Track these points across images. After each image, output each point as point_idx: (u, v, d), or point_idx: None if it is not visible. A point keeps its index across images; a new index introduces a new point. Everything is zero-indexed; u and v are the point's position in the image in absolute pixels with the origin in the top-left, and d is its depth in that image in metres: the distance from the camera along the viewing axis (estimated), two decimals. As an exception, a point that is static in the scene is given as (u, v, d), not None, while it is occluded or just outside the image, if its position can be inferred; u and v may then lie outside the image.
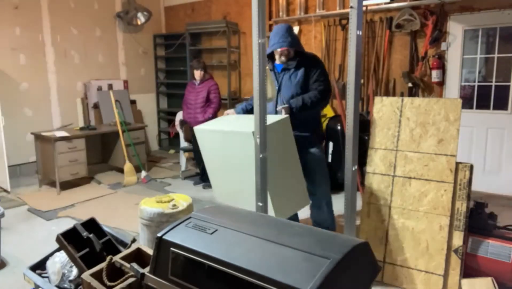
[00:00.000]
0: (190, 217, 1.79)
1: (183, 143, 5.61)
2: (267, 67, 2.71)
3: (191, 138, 5.19)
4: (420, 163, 2.92)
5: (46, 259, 2.46)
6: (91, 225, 2.39)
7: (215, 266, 1.48)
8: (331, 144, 4.62)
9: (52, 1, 5.72)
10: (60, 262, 2.32)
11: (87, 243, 2.27)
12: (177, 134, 6.18)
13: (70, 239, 2.24)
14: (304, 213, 4.07)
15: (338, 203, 4.19)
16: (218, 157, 2.87)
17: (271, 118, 2.64)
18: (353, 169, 2.11)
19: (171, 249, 1.62)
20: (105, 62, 6.49)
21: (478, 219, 2.72)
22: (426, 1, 4.45)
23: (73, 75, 6.07)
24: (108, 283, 1.88)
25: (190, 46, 6.62)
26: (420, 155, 2.94)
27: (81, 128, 5.23)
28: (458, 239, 2.54)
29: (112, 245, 2.35)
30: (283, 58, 3.10)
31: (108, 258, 2.00)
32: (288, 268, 1.36)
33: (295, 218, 3.26)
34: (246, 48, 6.29)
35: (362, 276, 1.51)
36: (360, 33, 2.01)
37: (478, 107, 4.44)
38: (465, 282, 1.44)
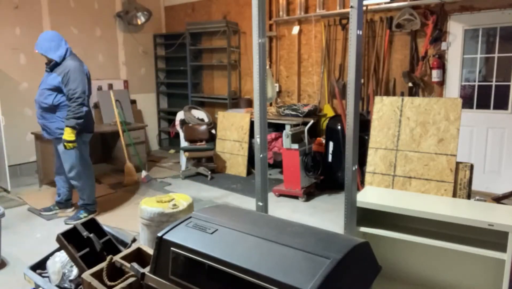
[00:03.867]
0: (190, 217, 1.79)
1: (184, 143, 5.61)
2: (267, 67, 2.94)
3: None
4: (420, 162, 2.92)
5: (46, 258, 2.46)
6: (92, 224, 2.39)
7: (215, 265, 1.48)
8: (331, 144, 4.62)
9: (52, 1, 5.71)
10: (60, 261, 2.32)
11: (87, 242, 2.27)
12: (177, 134, 6.18)
13: (70, 239, 2.25)
14: (303, 215, 4.08)
15: (338, 203, 4.20)
16: None
17: None
18: (353, 168, 2.11)
19: (172, 248, 1.62)
20: (105, 62, 6.49)
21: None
22: (426, 1, 4.45)
23: (73, 75, 6.06)
24: (109, 283, 1.88)
25: (190, 46, 6.62)
26: (420, 154, 2.94)
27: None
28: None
29: (112, 244, 2.35)
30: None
31: (108, 258, 2.00)
32: (289, 268, 1.37)
33: None
34: (246, 48, 6.29)
35: (362, 276, 1.51)
36: (360, 32, 2.01)
37: (478, 107, 4.43)
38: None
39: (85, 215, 3.82)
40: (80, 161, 3.74)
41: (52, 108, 3.61)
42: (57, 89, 3.58)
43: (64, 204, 4.01)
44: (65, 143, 3.54)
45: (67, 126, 3.52)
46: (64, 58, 3.60)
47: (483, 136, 4.40)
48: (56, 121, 3.63)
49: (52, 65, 3.60)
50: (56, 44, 3.58)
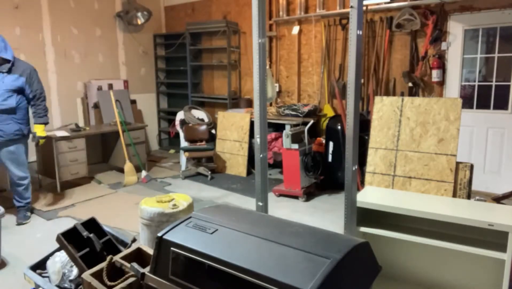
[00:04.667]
0: (190, 217, 1.79)
1: (183, 143, 5.61)
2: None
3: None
4: (420, 162, 2.92)
5: (46, 258, 2.46)
6: (92, 224, 2.39)
7: (215, 265, 1.48)
8: (331, 144, 4.62)
9: (52, 1, 5.72)
10: (60, 261, 2.32)
11: (87, 242, 2.27)
12: (177, 134, 6.18)
13: (70, 239, 2.25)
14: (303, 215, 4.07)
15: (338, 203, 4.20)
16: None
17: None
18: (353, 168, 2.11)
19: (172, 248, 1.62)
20: (105, 62, 6.49)
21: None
22: (426, 1, 4.45)
23: (73, 75, 6.07)
24: (109, 283, 1.89)
25: (190, 46, 6.63)
26: (420, 154, 2.94)
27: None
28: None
29: (112, 244, 2.35)
30: None
31: (108, 258, 2.00)
32: (289, 268, 1.37)
33: None
34: (246, 48, 6.29)
35: (362, 276, 1.51)
36: (360, 32, 2.01)
37: (478, 107, 4.43)
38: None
39: (30, 214, 3.93)
40: (26, 159, 3.84)
41: (12, 110, 3.59)
42: (20, 91, 3.62)
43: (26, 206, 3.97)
44: (40, 140, 3.76)
45: (41, 123, 3.72)
46: (14, 59, 3.60)
47: (483, 136, 4.40)
48: (12, 123, 3.60)
49: (7, 66, 3.54)
50: (5, 44, 3.55)
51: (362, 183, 3.62)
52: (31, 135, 3.80)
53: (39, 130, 3.72)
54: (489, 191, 4.30)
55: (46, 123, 3.77)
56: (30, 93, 3.65)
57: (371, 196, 2.56)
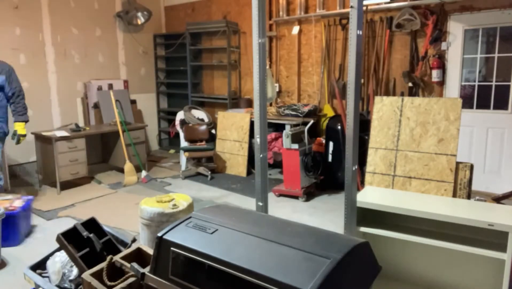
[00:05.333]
0: (190, 217, 1.79)
1: (183, 143, 5.61)
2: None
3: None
4: (420, 162, 2.93)
5: (46, 258, 2.46)
6: (92, 224, 2.39)
7: (215, 265, 1.48)
8: (331, 144, 4.62)
9: (52, 1, 5.72)
10: (60, 261, 2.32)
11: (87, 242, 2.27)
12: (177, 134, 6.18)
13: (70, 239, 2.25)
14: (303, 215, 4.08)
15: (338, 203, 4.20)
16: None
17: None
18: (353, 168, 2.11)
19: (172, 248, 1.62)
20: (105, 62, 6.49)
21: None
22: (426, 1, 4.45)
23: (73, 75, 6.07)
24: (109, 283, 1.89)
25: (190, 46, 6.63)
26: (420, 154, 2.94)
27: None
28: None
29: (112, 244, 2.35)
30: None
31: (108, 258, 2.00)
32: (289, 268, 1.37)
33: None
34: (246, 48, 6.29)
35: (362, 276, 1.51)
36: (360, 32, 2.01)
37: (478, 107, 4.43)
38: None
39: None
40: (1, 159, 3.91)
41: None
42: (1, 88, 3.70)
43: None
44: (21, 138, 3.78)
45: (23, 121, 3.76)
46: None
47: (483, 136, 4.40)
48: None
49: None
50: None
51: (362, 183, 3.62)
52: (10, 134, 3.83)
53: (19, 128, 3.75)
54: (489, 191, 4.30)
55: (26, 121, 3.81)
56: (10, 91, 3.70)
57: (371, 196, 2.55)
